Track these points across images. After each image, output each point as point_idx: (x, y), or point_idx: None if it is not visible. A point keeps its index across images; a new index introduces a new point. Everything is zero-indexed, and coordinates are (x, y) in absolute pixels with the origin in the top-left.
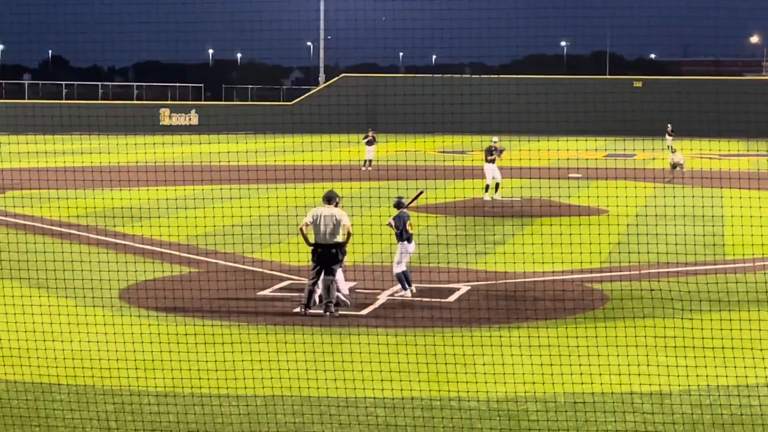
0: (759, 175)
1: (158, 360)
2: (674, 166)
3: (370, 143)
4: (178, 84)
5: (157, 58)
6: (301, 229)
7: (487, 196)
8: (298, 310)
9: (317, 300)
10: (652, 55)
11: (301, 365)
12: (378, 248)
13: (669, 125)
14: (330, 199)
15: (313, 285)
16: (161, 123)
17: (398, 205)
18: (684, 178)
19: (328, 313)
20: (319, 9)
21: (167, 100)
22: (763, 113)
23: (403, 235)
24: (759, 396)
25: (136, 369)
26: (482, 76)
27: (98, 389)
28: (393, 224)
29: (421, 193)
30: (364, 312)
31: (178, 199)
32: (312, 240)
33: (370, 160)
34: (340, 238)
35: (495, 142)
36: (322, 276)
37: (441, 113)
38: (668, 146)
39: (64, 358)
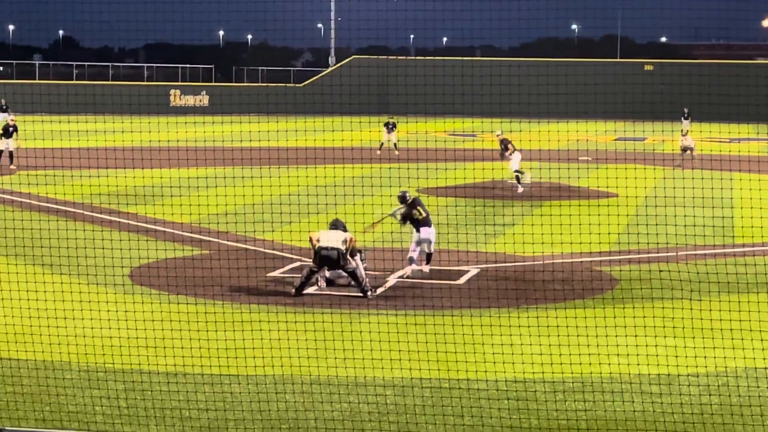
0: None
1: (168, 339)
2: (684, 149)
3: (390, 130)
4: (188, 65)
5: (168, 39)
6: (310, 238)
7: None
8: (292, 291)
9: (323, 281)
10: (663, 39)
11: (310, 345)
12: (388, 228)
13: (686, 109)
14: (336, 226)
15: (309, 275)
16: (171, 104)
17: (402, 199)
18: (693, 161)
19: (369, 294)
20: None
21: (177, 81)
22: None
23: (415, 225)
24: (765, 378)
25: (147, 348)
26: (492, 58)
27: (108, 368)
28: (397, 219)
29: (380, 221)
30: (373, 294)
31: (190, 179)
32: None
33: (395, 143)
34: (342, 248)
35: (498, 135)
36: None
37: (452, 95)
38: (683, 130)
39: (75, 336)
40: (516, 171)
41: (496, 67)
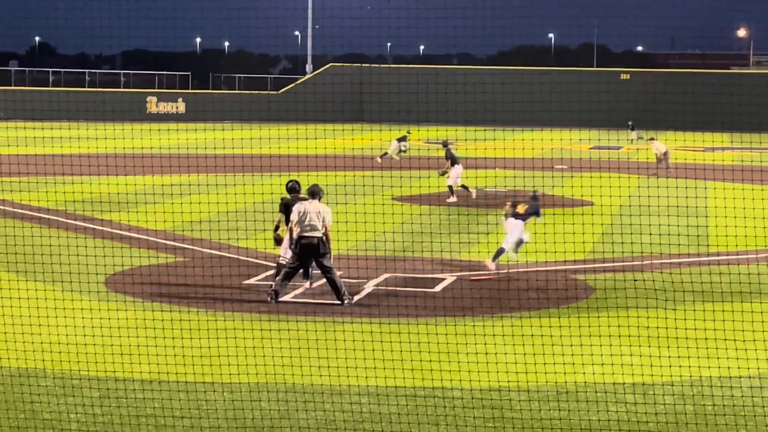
0: (743, 167)
1: (143, 347)
2: (660, 160)
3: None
4: (165, 72)
5: (145, 46)
6: (291, 229)
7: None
8: (268, 299)
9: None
10: (639, 48)
11: (286, 353)
12: (362, 236)
13: (630, 122)
14: (314, 194)
15: (287, 276)
16: (148, 111)
17: (534, 198)
18: (669, 169)
19: (346, 302)
20: None
21: (154, 88)
22: (749, 106)
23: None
24: (741, 387)
25: (121, 355)
26: (470, 66)
27: (83, 376)
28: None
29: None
30: (350, 301)
31: (165, 186)
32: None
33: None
34: (322, 231)
35: (448, 144)
36: (302, 273)
37: (428, 103)
38: (630, 140)
39: (50, 344)
40: (450, 186)
41: (473, 75)
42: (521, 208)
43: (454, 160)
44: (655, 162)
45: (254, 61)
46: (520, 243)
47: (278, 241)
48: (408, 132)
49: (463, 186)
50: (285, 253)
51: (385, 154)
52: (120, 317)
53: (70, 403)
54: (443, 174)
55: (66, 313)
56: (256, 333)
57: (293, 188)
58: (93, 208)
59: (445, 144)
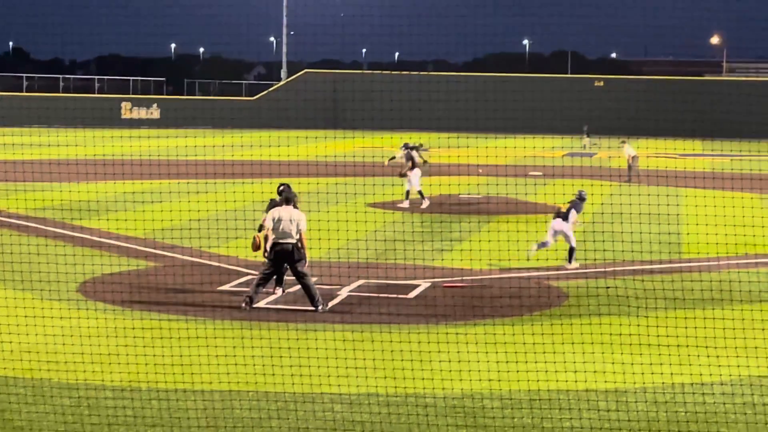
0: (717, 174)
1: (116, 354)
2: (630, 167)
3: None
4: (140, 78)
5: (119, 51)
6: (266, 236)
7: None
8: (242, 305)
9: (279, 289)
10: (614, 55)
11: (259, 360)
12: (336, 244)
13: (585, 127)
14: (289, 200)
15: (261, 282)
16: (122, 117)
17: (580, 197)
18: (639, 176)
19: (320, 308)
20: (282, 5)
21: (129, 94)
22: (723, 113)
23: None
24: (714, 394)
25: (93, 363)
26: (445, 73)
27: (55, 383)
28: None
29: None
30: (325, 307)
31: (138, 193)
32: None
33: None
34: (297, 237)
35: (407, 148)
36: (281, 280)
37: (403, 110)
38: (583, 145)
39: (21, 351)
40: (419, 191)
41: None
42: (564, 207)
43: (414, 164)
44: (626, 168)
45: (229, 67)
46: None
47: (256, 246)
48: (420, 145)
49: (419, 193)
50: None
51: (393, 158)
52: (93, 324)
53: (42, 410)
54: (402, 176)
55: (38, 320)
56: (230, 340)
57: (282, 192)
58: (65, 215)
59: (406, 146)
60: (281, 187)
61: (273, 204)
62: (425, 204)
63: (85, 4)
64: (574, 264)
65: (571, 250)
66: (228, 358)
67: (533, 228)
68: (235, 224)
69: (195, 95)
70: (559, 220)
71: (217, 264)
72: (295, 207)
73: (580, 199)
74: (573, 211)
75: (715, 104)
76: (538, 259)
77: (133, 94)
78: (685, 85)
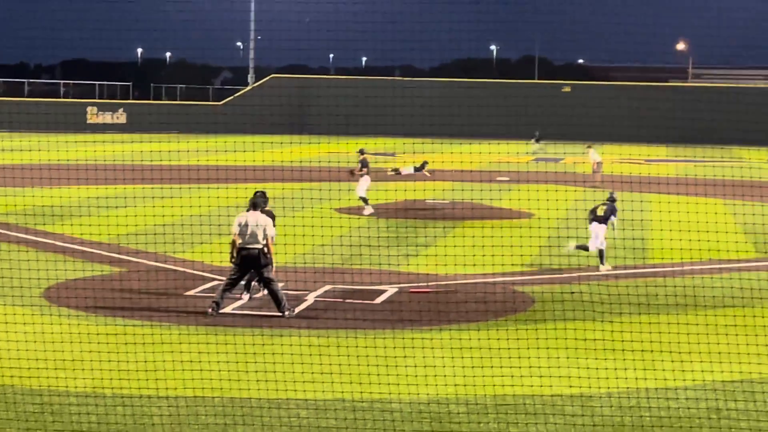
0: (682, 180)
1: (81, 360)
2: (595, 171)
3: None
4: (106, 82)
5: (85, 56)
6: (233, 242)
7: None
8: (209, 310)
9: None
10: (581, 60)
11: (225, 366)
12: (301, 249)
13: (536, 132)
14: (256, 205)
15: (228, 287)
16: (88, 121)
17: (612, 199)
18: (604, 181)
19: (287, 314)
20: (250, 9)
21: (94, 99)
22: (689, 119)
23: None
24: (678, 399)
25: (57, 369)
26: (412, 79)
27: (19, 389)
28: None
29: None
30: (292, 313)
31: (103, 198)
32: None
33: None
34: (263, 243)
35: (362, 153)
36: (249, 286)
37: (370, 115)
38: (532, 151)
39: None
40: (361, 197)
41: (415, 88)
42: (600, 211)
43: (367, 171)
44: (591, 174)
45: (196, 72)
46: (586, 248)
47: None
48: (425, 162)
49: (363, 200)
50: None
51: (397, 171)
52: (58, 330)
53: (5, 417)
54: (352, 173)
55: (2, 326)
56: (196, 345)
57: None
58: (30, 220)
59: (362, 152)
60: (258, 193)
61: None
62: (367, 211)
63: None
64: (607, 266)
65: (602, 252)
66: (193, 363)
67: (499, 233)
68: (200, 229)
69: (161, 100)
70: (596, 223)
71: (182, 269)
72: (264, 212)
73: (612, 200)
74: (613, 216)
75: (681, 110)
76: (503, 264)
77: (99, 98)
78: (651, 91)
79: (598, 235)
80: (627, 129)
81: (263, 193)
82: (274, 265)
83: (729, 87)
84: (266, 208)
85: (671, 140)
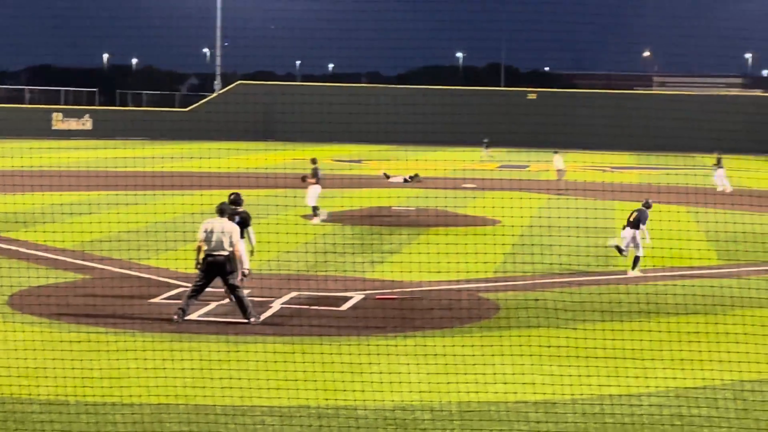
0: (645, 188)
1: (44, 367)
2: (559, 178)
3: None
4: (71, 88)
5: (50, 61)
6: (198, 247)
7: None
8: (175, 317)
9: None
10: (546, 68)
11: (190, 373)
12: (267, 256)
13: (485, 139)
14: (222, 211)
15: (193, 294)
16: (53, 127)
17: (647, 206)
18: (567, 189)
19: (252, 320)
20: (216, 16)
21: (60, 105)
22: (654, 127)
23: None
24: (642, 405)
25: (20, 377)
26: (379, 85)
27: None
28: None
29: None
30: (257, 319)
31: (68, 205)
32: (202, 256)
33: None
34: (229, 249)
35: (314, 162)
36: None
37: (336, 122)
38: (481, 159)
39: None
40: (313, 206)
41: (382, 95)
42: (632, 217)
43: (318, 179)
44: (556, 180)
45: (162, 78)
46: (622, 252)
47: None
48: (416, 174)
49: (313, 208)
50: (246, 263)
51: (387, 176)
52: (21, 337)
53: None
54: (303, 180)
55: None
56: (161, 352)
57: (235, 201)
58: None
59: (314, 161)
60: (232, 196)
61: (231, 215)
62: (315, 220)
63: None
64: (636, 272)
65: (637, 258)
66: (158, 370)
67: (464, 240)
68: (166, 236)
69: (127, 106)
70: (628, 228)
71: (147, 276)
72: (239, 213)
73: (647, 206)
74: (642, 222)
75: (646, 118)
76: (468, 272)
77: (64, 104)
78: (616, 98)
79: (635, 239)
80: (592, 136)
81: (237, 195)
82: (250, 270)
83: (693, 95)
84: (241, 210)
85: (636, 148)
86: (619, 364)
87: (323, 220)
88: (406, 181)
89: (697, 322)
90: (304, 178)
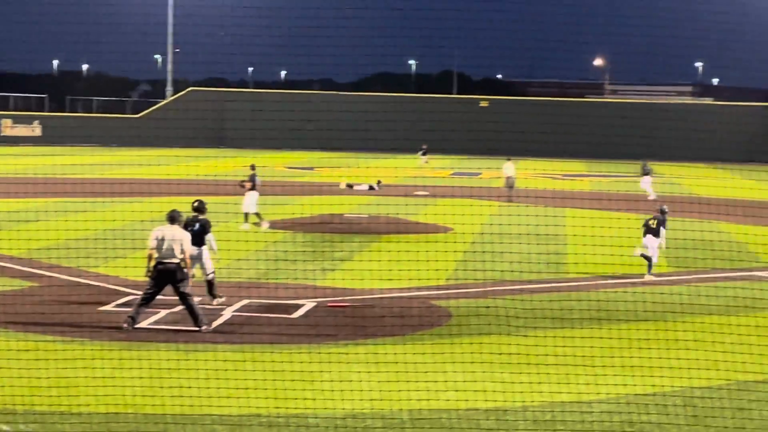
0: (596, 195)
1: None
2: (510, 186)
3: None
4: (20, 94)
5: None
6: (149, 255)
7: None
8: (124, 325)
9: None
10: (499, 76)
11: (141, 382)
12: (218, 264)
13: (424, 146)
14: (173, 218)
15: (144, 302)
16: (2, 133)
17: (662, 212)
18: (517, 196)
19: (203, 328)
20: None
21: (9, 110)
22: (605, 135)
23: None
24: (593, 412)
25: None
26: (331, 92)
27: None
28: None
29: None
30: (208, 327)
31: (15, 212)
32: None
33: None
34: (180, 257)
35: (252, 168)
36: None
37: (288, 129)
38: (419, 166)
39: None
40: (255, 213)
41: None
42: (653, 223)
43: (254, 186)
44: (506, 189)
45: (113, 84)
46: (649, 258)
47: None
48: (379, 181)
49: (256, 213)
50: (210, 267)
51: (351, 185)
52: None
53: None
54: (241, 186)
55: None
56: (110, 361)
57: (198, 208)
58: None
59: (252, 167)
60: (195, 203)
61: (187, 222)
62: (265, 225)
63: None
64: (650, 276)
65: (651, 264)
66: (108, 379)
67: (416, 248)
68: (116, 243)
69: (78, 112)
70: (650, 236)
71: (97, 284)
72: (200, 220)
73: (662, 213)
74: (662, 228)
75: (598, 126)
76: (420, 279)
77: (13, 110)
78: (568, 106)
79: (653, 246)
80: (544, 144)
81: (201, 202)
82: (215, 276)
83: (644, 103)
84: (202, 217)
85: (588, 155)
86: (570, 371)
87: (255, 224)
88: (371, 188)
89: (648, 329)
90: (242, 184)
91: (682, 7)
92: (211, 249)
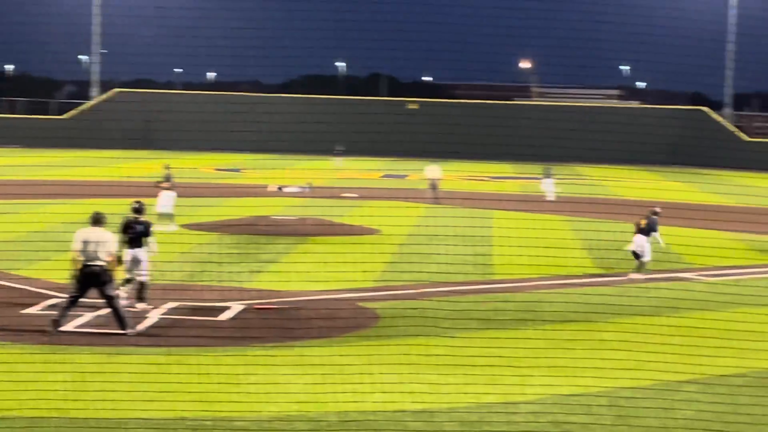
0: (523, 197)
1: None
2: (433, 186)
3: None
4: None
5: None
6: (74, 258)
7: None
8: (48, 328)
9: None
10: (429, 78)
11: (65, 386)
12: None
13: (341, 148)
14: (97, 220)
15: (69, 305)
16: None
17: (655, 212)
18: (444, 198)
19: (128, 331)
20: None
21: None
22: (532, 137)
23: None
24: (521, 413)
25: None
26: (258, 94)
27: None
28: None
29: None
30: (134, 330)
31: None
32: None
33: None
34: (104, 259)
35: (166, 168)
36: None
37: (215, 131)
38: (336, 168)
39: None
40: (169, 213)
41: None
42: (643, 223)
43: (171, 185)
44: (430, 190)
45: (37, 85)
46: (638, 256)
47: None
48: (310, 182)
49: (170, 214)
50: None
51: (281, 188)
52: None
53: None
54: (157, 185)
55: None
56: (34, 365)
57: (138, 210)
58: None
59: (167, 167)
60: (135, 205)
61: (129, 223)
62: (172, 227)
63: None
64: (639, 275)
65: (642, 263)
66: (31, 383)
67: (344, 249)
68: (40, 246)
69: (1, 113)
70: (640, 235)
71: (21, 286)
72: (141, 223)
73: (654, 214)
74: (654, 227)
75: (525, 128)
76: (348, 281)
77: None
78: (495, 109)
79: (643, 246)
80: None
81: (140, 203)
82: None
83: (571, 105)
84: (142, 219)
85: (515, 158)
86: (497, 372)
87: (165, 224)
88: (302, 189)
89: (574, 330)
90: (158, 185)
91: (609, 10)
92: (150, 251)
